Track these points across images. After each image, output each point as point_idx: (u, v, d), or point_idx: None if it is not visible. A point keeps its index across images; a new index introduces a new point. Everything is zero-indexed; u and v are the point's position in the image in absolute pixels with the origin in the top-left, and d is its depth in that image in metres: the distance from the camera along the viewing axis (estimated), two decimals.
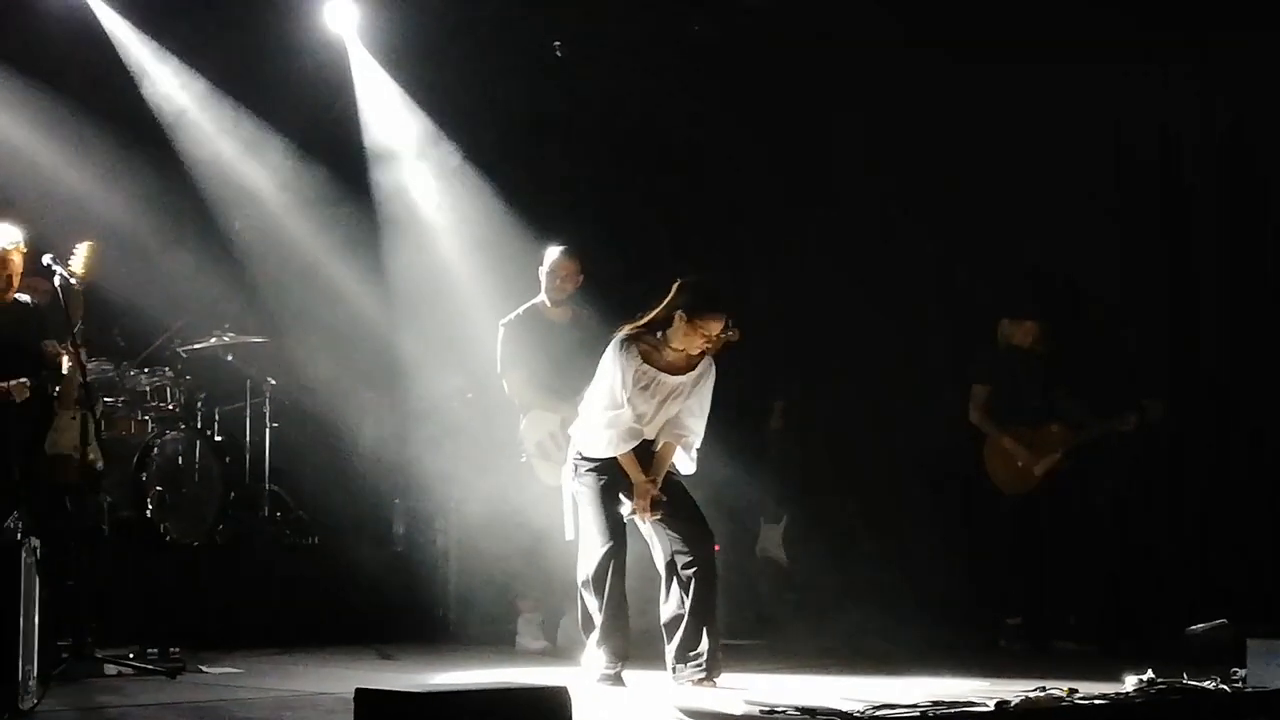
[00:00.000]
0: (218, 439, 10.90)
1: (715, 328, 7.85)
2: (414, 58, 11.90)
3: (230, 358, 11.15)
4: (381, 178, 11.99)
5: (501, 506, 9.95)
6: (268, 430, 11.32)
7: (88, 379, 8.17)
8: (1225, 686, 7.80)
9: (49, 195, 10.40)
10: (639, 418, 7.93)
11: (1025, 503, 10.46)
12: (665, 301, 7.92)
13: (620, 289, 9.67)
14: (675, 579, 7.99)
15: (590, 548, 8.05)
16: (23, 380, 8.24)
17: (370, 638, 9.89)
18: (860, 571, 10.92)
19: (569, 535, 8.28)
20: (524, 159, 11.95)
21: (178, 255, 11.20)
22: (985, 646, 10.06)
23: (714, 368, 8.03)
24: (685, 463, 8.12)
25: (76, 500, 8.34)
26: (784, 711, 6.70)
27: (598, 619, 8.02)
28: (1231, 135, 10.93)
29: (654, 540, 8.06)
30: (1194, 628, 9.77)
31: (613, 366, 7.91)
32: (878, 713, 6.73)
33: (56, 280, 8.17)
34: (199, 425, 10.91)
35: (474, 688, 6.00)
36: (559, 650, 9.59)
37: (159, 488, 10.33)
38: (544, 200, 11.55)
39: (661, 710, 7.05)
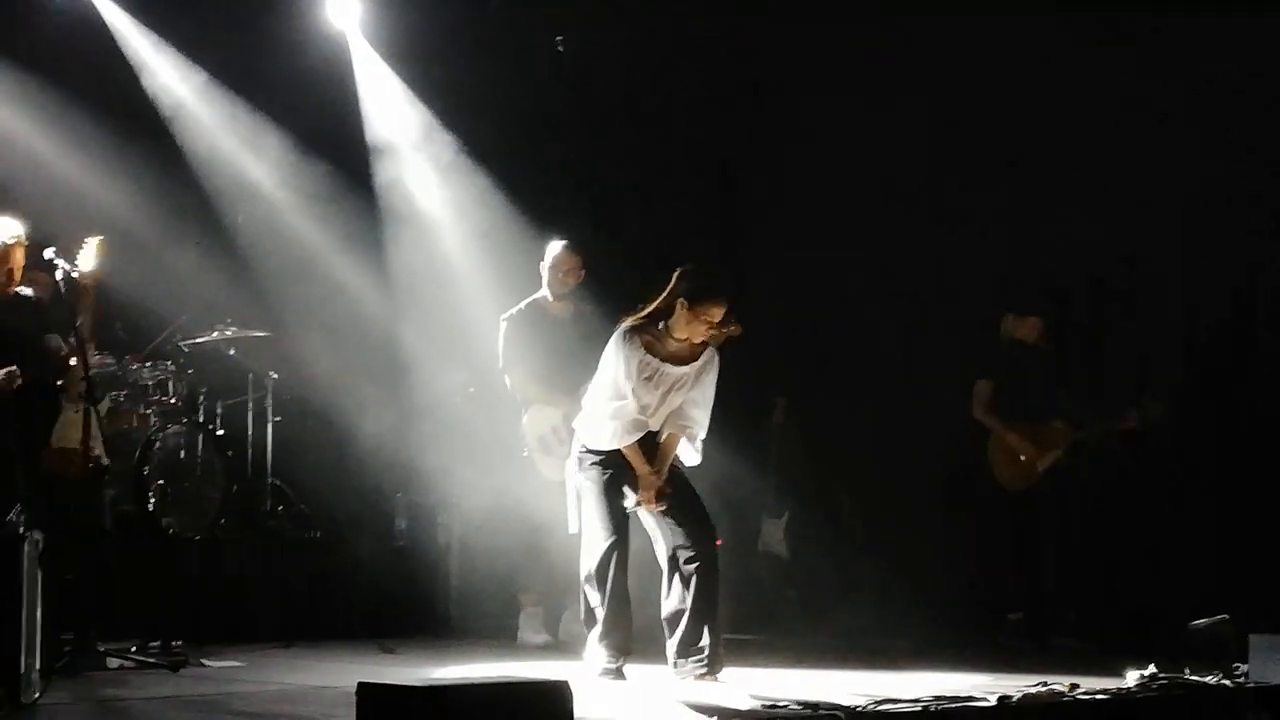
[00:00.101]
0: (220, 433, 10.89)
1: (718, 313, 7.85)
2: (416, 52, 11.90)
3: (232, 352, 11.14)
4: (383, 172, 11.99)
5: (503, 501, 9.96)
6: (270, 424, 11.32)
7: (90, 373, 8.16)
8: (1227, 682, 7.82)
9: (50, 189, 10.39)
10: (643, 409, 7.93)
11: (1028, 498, 10.45)
12: (666, 291, 7.93)
13: (622, 284, 9.66)
14: (677, 573, 7.98)
15: (593, 542, 8.05)
16: (11, 369, 8.22)
17: (372, 632, 9.88)
18: (861, 567, 10.93)
19: (572, 529, 8.27)
20: (526, 153, 11.96)
21: (179, 249, 11.19)
22: (987, 642, 10.05)
23: (717, 358, 8.03)
24: (690, 454, 8.12)
25: (80, 495, 8.34)
26: (785, 706, 6.70)
27: (600, 614, 8.01)
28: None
29: (656, 534, 8.06)
30: (1196, 623, 9.75)
31: (616, 358, 7.92)
32: (879, 708, 6.73)
33: (58, 274, 8.17)
34: (201, 419, 10.91)
35: (475, 682, 6.00)
36: (560, 645, 9.60)
37: (161, 482, 10.32)
38: (546, 195, 11.55)
39: (663, 705, 7.05)
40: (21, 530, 6.91)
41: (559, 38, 12.15)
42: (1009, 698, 7.07)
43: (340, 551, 10.82)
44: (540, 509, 9.40)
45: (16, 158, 10.44)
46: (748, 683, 7.81)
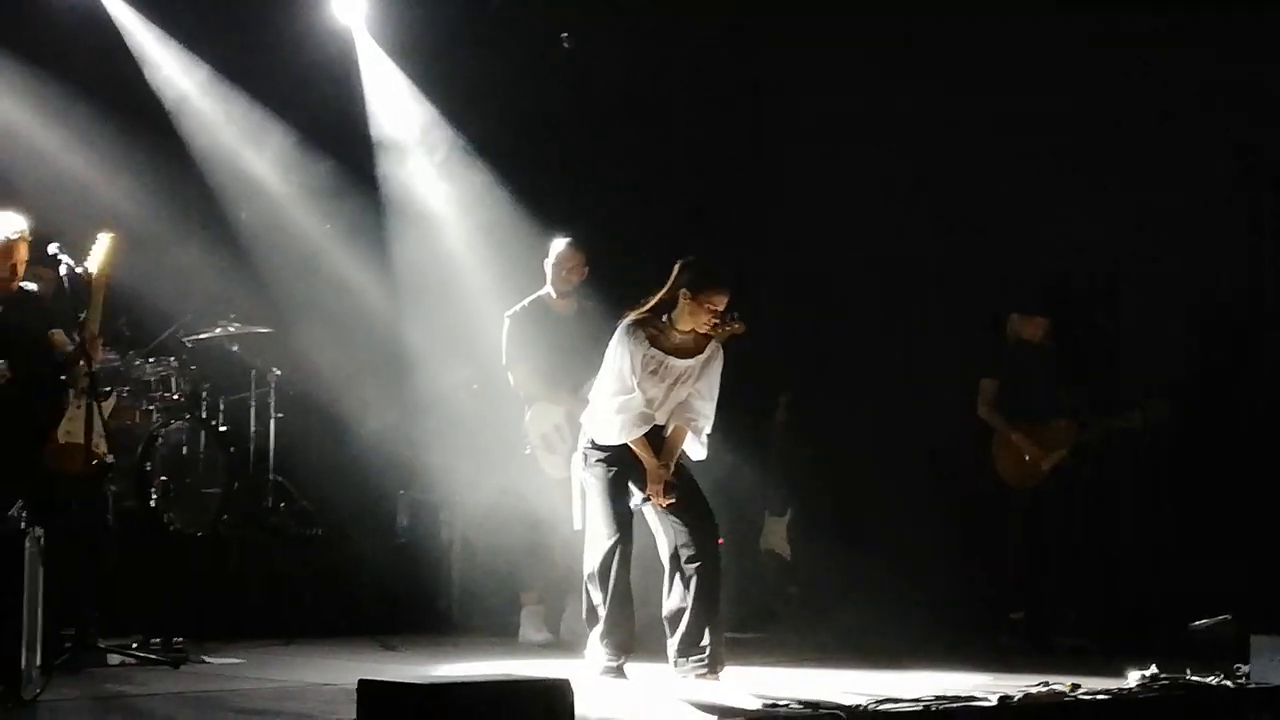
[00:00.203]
0: (222, 429, 10.90)
1: (721, 301, 7.87)
2: (421, 48, 11.89)
3: (235, 348, 11.14)
4: (388, 168, 11.99)
5: (506, 498, 9.97)
6: (272, 420, 11.31)
7: (94, 369, 8.16)
8: (1228, 682, 7.82)
9: (54, 184, 10.39)
10: (649, 403, 7.93)
11: (1031, 498, 10.45)
12: (668, 284, 7.94)
13: (626, 281, 9.66)
14: (679, 572, 7.98)
15: (596, 540, 8.04)
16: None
17: (373, 629, 9.88)
18: (863, 566, 10.91)
19: (577, 525, 8.27)
20: (530, 150, 11.96)
21: (183, 245, 11.18)
22: (988, 641, 10.04)
23: (721, 351, 8.03)
24: (696, 448, 8.11)
25: (82, 491, 8.34)
26: (786, 706, 6.70)
27: (602, 612, 8.01)
28: None
29: (659, 532, 8.06)
30: (1197, 623, 9.77)
31: (620, 352, 7.92)
32: (880, 707, 6.73)
33: (62, 269, 8.17)
34: (204, 415, 10.92)
35: (476, 679, 6.00)
36: (562, 642, 9.59)
37: (163, 478, 10.33)
38: (550, 191, 11.55)
39: (663, 704, 7.05)
40: (23, 526, 6.90)
41: (564, 34, 12.14)
42: (1010, 698, 7.07)
43: (342, 548, 10.81)
44: (542, 507, 9.41)
45: (20, 152, 10.44)
46: (749, 682, 7.82)
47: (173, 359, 10.67)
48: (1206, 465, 11.03)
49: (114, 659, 8.10)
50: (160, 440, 10.35)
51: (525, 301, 9.83)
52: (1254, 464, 10.85)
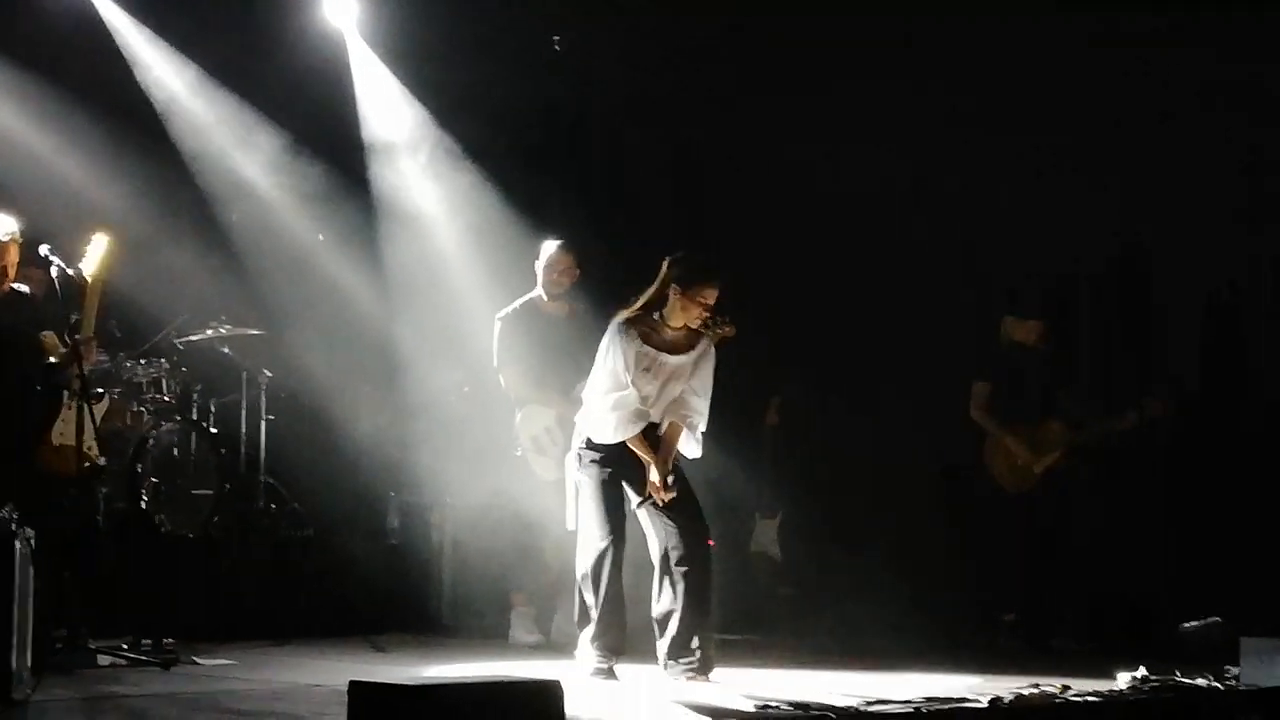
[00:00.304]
0: (213, 431, 10.89)
1: (711, 294, 7.89)
2: (413, 51, 11.89)
3: (226, 350, 11.13)
4: (379, 171, 11.99)
5: (496, 500, 9.97)
6: (263, 422, 11.30)
7: (85, 371, 8.15)
8: (1218, 684, 7.83)
9: (46, 186, 10.38)
10: (643, 400, 7.94)
11: (1024, 500, 10.45)
12: (657, 281, 7.96)
13: (617, 283, 9.66)
14: (669, 574, 7.98)
15: (589, 542, 8.06)
16: None
17: (364, 630, 9.88)
18: (855, 567, 10.91)
19: (570, 525, 8.27)
20: (522, 152, 11.96)
21: (175, 247, 11.18)
22: (980, 643, 10.05)
23: (713, 348, 8.04)
24: (691, 445, 8.12)
25: (73, 492, 8.34)
26: (777, 707, 6.71)
27: (594, 613, 8.02)
28: None
29: (650, 532, 8.06)
30: (1187, 625, 9.77)
31: (613, 350, 7.93)
32: (871, 709, 6.75)
33: (53, 271, 8.16)
34: (195, 417, 10.91)
35: (467, 681, 6.01)
36: (553, 644, 9.59)
37: (154, 479, 10.33)
38: (541, 194, 11.54)
39: (654, 705, 7.06)
40: (14, 527, 6.90)
41: (555, 36, 12.14)
42: (1001, 699, 7.08)
43: (333, 550, 10.81)
44: (533, 509, 9.41)
45: (12, 154, 10.43)
46: (739, 683, 7.82)
47: (164, 361, 10.66)
48: (1199, 467, 11.05)
49: (104, 660, 8.09)
50: (151, 442, 10.34)
51: (516, 304, 9.83)
52: (1246, 466, 10.86)
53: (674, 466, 8.04)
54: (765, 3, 11.64)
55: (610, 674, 7.98)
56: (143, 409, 10.50)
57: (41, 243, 8.24)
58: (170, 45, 11.37)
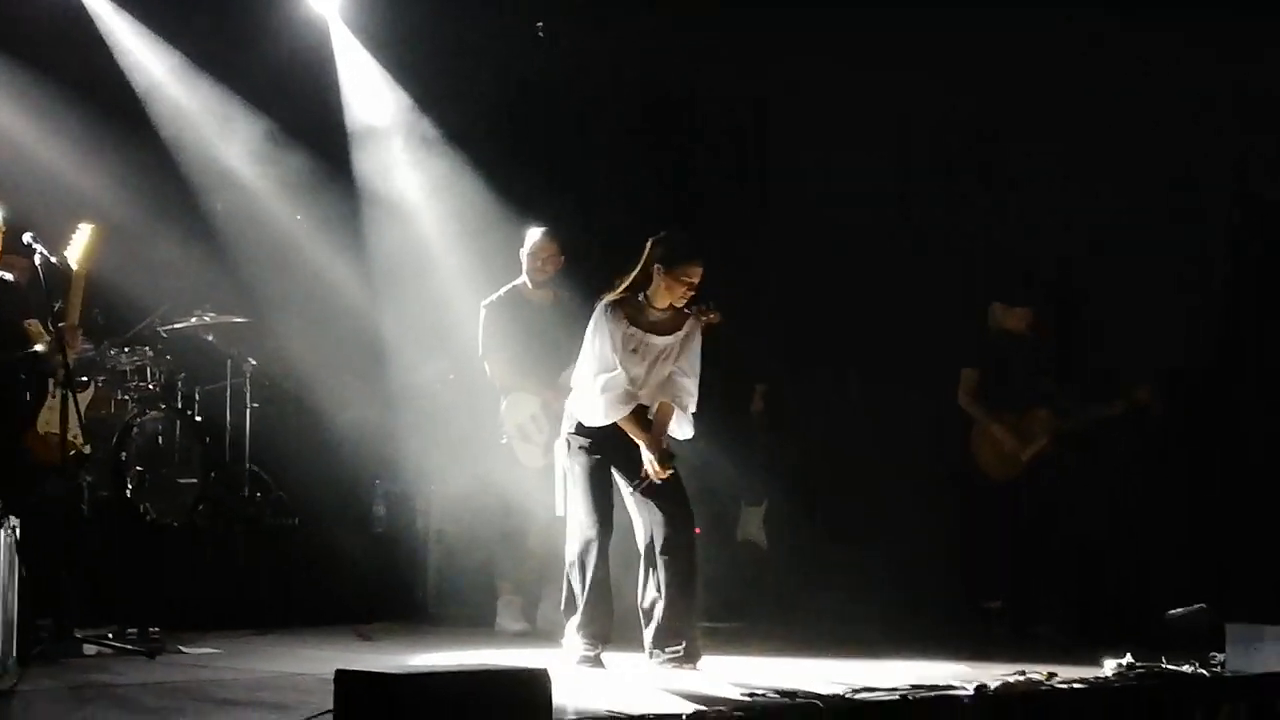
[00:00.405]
0: (198, 419, 10.88)
1: (696, 272, 7.90)
2: (396, 37, 11.87)
3: (211, 338, 11.12)
4: (363, 158, 11.97)
5: (482, 488, 9.96)
6: (248, 411, 11.29)
7: (69, 359, 8.12)
8: (1203, 670, 7.83)
9: (29, 174, 10.34)
10: (632, 381, 7.93)
11: (1010, 488, 10.45)
12: (641, 262, 7.97)
13: (602, 271, 9.65)
14: (654, 561, 7.98)
15: (576, 529, 8.05)
16: None
17: (350, 619, 9.87)
18: (841, 555, 10.92)
19: (559, 511, 8.27)
20: (506, 140, 11.95)
21: (159, 235, 11.16)
22: (966, 630, 10.05)
23: (700, 328, 8.04)
24: (684, 426, 8.12)
25: (58, 480, 8.31)
26: (763, 695, 6.70)
27: (580, 601, 8.01)
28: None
29: (636, 520, 8.05)
30: (1172, 612, 9.78)
31: (600, 332, 7.93)
32: (857, 696, 6.74)
33: (37, 259, 8.13)
34: (179, 405, 10.90)
35: (453, 669, 5.99)
36: (539, 632, 9.59)
37: (139, 468, 10.32)
38: (526, 181, 11.53)
39: (640, 693, 7.05)
40: None
41: (539, 23, 12.12)
42: (986, 687, 7.07)
43: (318, 538, 10.79)
44: (519, 497, 9.41)
45: None
46: (725, 671, 7.81)
47: (148, 349, 10.65)
48: (1185, 454, 11.05)
49: (90, 649, 8.06)
50: (136, 430, 10.33)
51: (501, 291, 9.82)
52: (1233, 453, 10.87)
53: (668, 451, 8.03)
54: (763, 4, 11.64)
55: (597, 662, 7.98)
56: (127, 397, 10.48)
57: (25, 230, 8.20)
58: (152, 32, 11.35)
